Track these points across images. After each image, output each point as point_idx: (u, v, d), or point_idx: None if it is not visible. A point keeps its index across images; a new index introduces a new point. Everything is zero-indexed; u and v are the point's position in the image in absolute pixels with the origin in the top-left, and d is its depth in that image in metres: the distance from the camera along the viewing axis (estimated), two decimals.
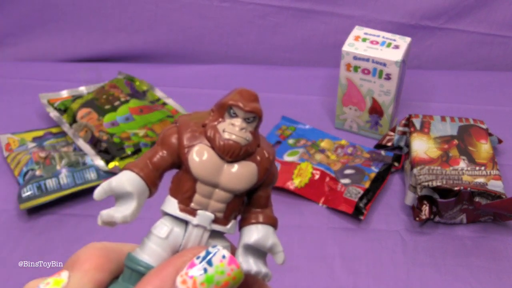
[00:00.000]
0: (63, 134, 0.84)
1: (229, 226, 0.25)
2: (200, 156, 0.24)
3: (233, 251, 0.26)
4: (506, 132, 0.84)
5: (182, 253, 0.23)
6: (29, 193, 0.71)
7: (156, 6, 1.02)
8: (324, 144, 0.83)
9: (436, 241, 0.70)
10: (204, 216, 0.24)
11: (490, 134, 0.80)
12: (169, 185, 0.26)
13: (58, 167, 0.75)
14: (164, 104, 0.90)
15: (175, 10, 1.02)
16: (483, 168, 0.73)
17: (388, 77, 0.79)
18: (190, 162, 0.24)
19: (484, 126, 0.80)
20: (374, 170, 0.77)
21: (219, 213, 0.25)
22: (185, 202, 0.24)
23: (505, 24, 0.99)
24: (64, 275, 0.23)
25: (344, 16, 1.00)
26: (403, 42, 0.80)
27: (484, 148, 0.76)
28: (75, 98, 0.88)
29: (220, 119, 0.25)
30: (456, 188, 0.68)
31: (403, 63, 0.79)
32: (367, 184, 0.74)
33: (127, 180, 0.24)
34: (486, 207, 0.68)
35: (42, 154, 0.77)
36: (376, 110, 0.83)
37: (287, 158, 0.80)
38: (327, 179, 0.76)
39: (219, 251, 0.22)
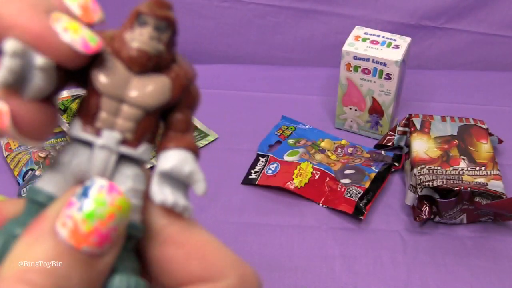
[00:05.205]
0: (63, 134, 0.84)
1: (139, 150, 0.23)
2: (103, 66, 0.22)
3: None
4: (506, 132, 0.84)
5: (61, 197, 0.21)
6: None
7: None
8: (324, 144, 0.83)
9: (436, 241, 0.70)
10: (109, 136, 0.22)
11: (490, 134, 0.80)
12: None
13: None
14: None
15: (175, 10, 1.02)
16: (483, 168, 0.73)
17: (388, 77, 0.79)
18: (93, 74, 0.22)
19: (484, 126, 0.80)
20: (374, 170, 0.77)
21: (128, 133, 0.22)
22: (90, 121, 0.22)
23: (505, 24, 0.99)
24: None
25: (344, 16, 1.00)
26: (403, 42, 0.80)
27: (484, 148, 0.76)
28: (75, 97, 0.88)
29: (129, 29, 0.22)
30: (456, 188, 0.68)
31: (403, 63, 0.79)
32: (367, 184, 0.74)
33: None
34: (486, 207, 0.68)
35: (42, 154, 0.77)
36: (376, 110, 0.83)
37: (287, 158, 0.80)
38: (327, 179, 0.76)
39: (96, 182, 0.20)
